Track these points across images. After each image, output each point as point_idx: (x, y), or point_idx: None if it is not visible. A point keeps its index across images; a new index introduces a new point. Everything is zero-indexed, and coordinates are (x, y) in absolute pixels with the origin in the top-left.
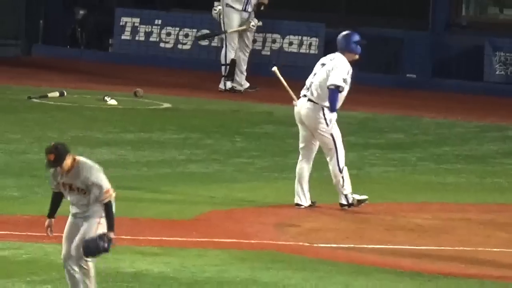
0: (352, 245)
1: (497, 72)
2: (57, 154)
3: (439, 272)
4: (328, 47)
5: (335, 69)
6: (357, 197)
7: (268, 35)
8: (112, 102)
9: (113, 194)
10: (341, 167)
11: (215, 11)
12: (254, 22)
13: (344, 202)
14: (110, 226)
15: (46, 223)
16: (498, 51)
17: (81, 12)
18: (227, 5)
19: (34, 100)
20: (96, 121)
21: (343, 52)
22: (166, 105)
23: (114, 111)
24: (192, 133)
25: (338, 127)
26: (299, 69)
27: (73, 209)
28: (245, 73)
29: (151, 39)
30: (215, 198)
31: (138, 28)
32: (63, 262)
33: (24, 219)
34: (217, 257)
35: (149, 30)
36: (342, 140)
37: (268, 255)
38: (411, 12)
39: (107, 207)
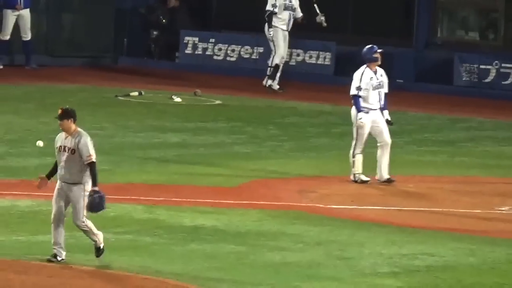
0: (355, 206)
1: (463, 79)
2: (65, 111)
3: (420, 226)
4: (338, 60)
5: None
6: (363, 178)
7: (294, 50)
8: (178, 99)
9: (94, 159)
10: (354, 154)
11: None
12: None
13: (352, 178)
14: (94, 182)
15: (40, 176)
16: (464, 63)
17: (155, 32)
18: (275, 26)
19: (120, 98)
20: (165, 114)
21: (365, 63)
22: (217, 102)
23: (179, 106)
24: (237, 123)
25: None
26: (316, 76)
27: (62, 172)
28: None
29: (206, 53)
30: (254, 171)
31: (197, 45)
32: (52, 220)
33: (112, 186)
34: (255, 215)
35: (205, 46)
36: (365, 136)
37: (293, 213)
38: (399, 33)
39: (91, 166)
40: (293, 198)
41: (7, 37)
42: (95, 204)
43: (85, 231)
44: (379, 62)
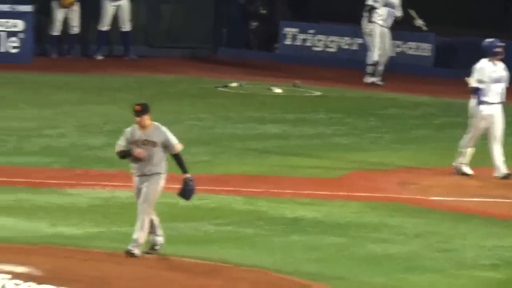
0: (456, 198)
1: None
2: (143, 107)
3: None
4: (438, 51)
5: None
6: (467, 170)
7: (393, 41)
8: (277, 90)
9: (181, 146)
10: (466, 145)
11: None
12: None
13: (455, 169)
14: (185, 170)
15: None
16: None
17: (254, 23)
18: (374, 22)
19: (219, 89)
20: (265, 105)
21: (486, 56)
22: (317, 93)
23: (278, 97)
24: (336, 114)
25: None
26: (416, 67)
27: (140, 167)
28: (381, 70)
29: (306, 44)
30: (354, 162)
31: (297, 36)
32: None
33: (211, 177)
34: (355, 206)
35: (305, 37)
36: (481, 129)
37: (393, 205)
38: (497, 25)
39: (178, 156)
40: (393, 190)
41: (107, 28)
42: (189, 191)
43: (141, 218)
44: (502, 56)
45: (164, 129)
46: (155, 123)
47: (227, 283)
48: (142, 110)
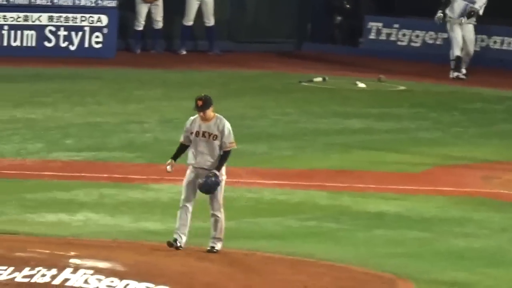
0: None
1: None
2: (204, 101)
3: None
4: None
5: None
6: None
7: (478, 36)
8: (362, 85)
9: (235, 146)
10: None
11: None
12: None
13: None
14: (219, 168)
15: (168, 161)
16: None
17: (338, 18)
18: (450, 17)
19: (303, 83)
20: (349, 99)
21: None
22: (401, 87)
23: (362, 92)
24: (421, 108)
25: None
26: (501, 61)
27: (201, 158)
28: (465, 65)
29: (390, 38)
30: (438, 157)
31: (381, 30)
32: (182, 204)
33: (295, 172)
34: (439, 201)
35: (389, 31)
36: None
37: (477, 200)
38: None
39: (226, 154)
40: (477, 185)
41: (191, 23)
42: (208, 185)
43: (216, 221)
44: None
45: (226, 123)
46: (218, 115)
47: (311, 278)
48: (204, 105)
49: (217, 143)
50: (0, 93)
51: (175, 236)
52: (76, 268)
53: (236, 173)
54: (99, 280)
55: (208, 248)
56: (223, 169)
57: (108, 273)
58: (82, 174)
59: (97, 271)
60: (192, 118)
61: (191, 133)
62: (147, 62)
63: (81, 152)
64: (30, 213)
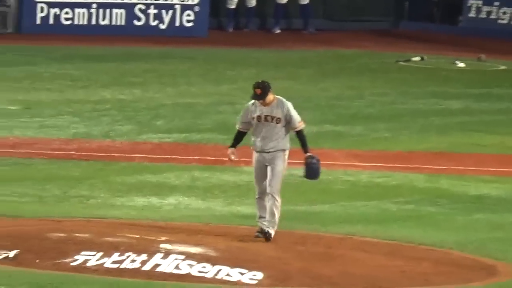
0: None
1: None
2: (263, 89)
3: None
4: None
5: None
6: None
7: None
8: (461, 65)
9: (304, 124)
10: None
11: None
12: None
13: None
14: (306, 149)
15: (229, 151)
16: None
17: None
18: None
19: (401, 63)
20: (448, 80)
21: None
22: (502, 67)
23: (462, 72)
24: None
25: None
26: None
27: (263, 143)
28: None
29: (491, 16)
30: None
31: (481, 8)
32: (257, 197)
33: (392, 154)
34: None
35: (490, 9)
36: None
37: None
38: None
39: (301, 134)
40: None
41: (285, 1)
42: (315, 170)
43: (273, 205)
44: None
45: (288, 104)
46: (279, 97)
47: (409, 263)
48: (263, 93)
49: (280, 126)
50: (89, 73)
51: (261, 225)
52: (167, 253)
53: (332, 155)
54: (191, 265)
55: (260, 233)
56: (286, 153)
57: (199, 258)
58: (173, 157)
59: (189, 256)
60: (250, 103)
61: (252, 118)
62: (240, 41)
63: (171, 134)
64: (119, 196)
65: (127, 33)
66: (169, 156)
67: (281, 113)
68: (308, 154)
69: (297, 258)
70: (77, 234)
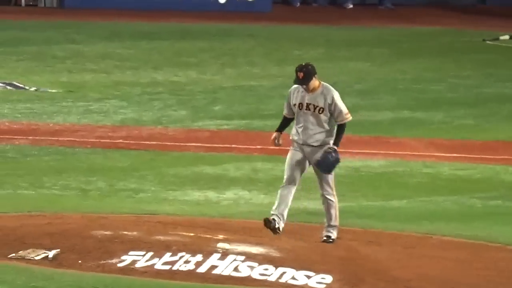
0: None
1: None
2: (306, 73)
3: None
4: None
5: None
6: None
7: None
8: None
9: (350, 118)
10: None
11: None
12: None
13: None
14: (337, 143)
15: (274, 135)
16: None
17: None
18: None
19: (488, 42)
20: None
21: None
22: None
23: None
24: None
25: None
26: None
27: (304, 134)
28: None
29: None
30: None
31: None
32: (285, 184)
33: (477, 143)
34: None
35: None
36: None
37: None
38: None
39: (342, 127)
40: None
41: None
42: (328, 162)
43: (329, 206)
44: None
45: (334, 92)
46: (325, 84)
47: (495, 265)
48: (306, 77)
49: (323, 117)
50: (140, 52)
51: (274, 216)
52: (225, 254)
53: (409, 145)
54: (251, 267)
55: (324, 238)
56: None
57: (261, 259)
58: (233, 146)
59: (249, 257)
60: (294, 87)
61: (294, 104)
62: (308, 17)
63: (231, 120)
64: (172, 190)
65: (182, 8)
66: (228, 145)
67: (324, 103)
68: (334, 146)
69: (370, 259)
70: (124, 232)
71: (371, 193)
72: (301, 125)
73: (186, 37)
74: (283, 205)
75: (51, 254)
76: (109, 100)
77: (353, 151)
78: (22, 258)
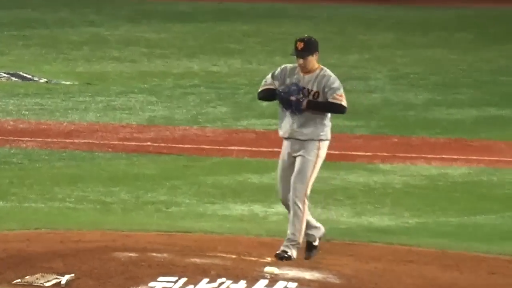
0: None
1: None
2: (308, 44)
3: None
4: None
5: None
6: None
7: None
8: None
9: (345, 103)
10: None
11: None
12: None
13: None
14: (314, 102)
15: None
16: None
17: None
18: None
19: None
20: None
21: None
22: None
23: None
24: None
25: None
26: None
27: (294, 125)
28: None
29: None
30: None
31: None
32: (282, 201)
33: None
34: None
35: None
36: None
37: None
38: None
39: (333, 104)
40: None
41: None
42: (286, 95)
43: (295, 214)
44: None
45: (332, 76)
46: (324, 67)
47: None
48: (306, 48)
49: (315, 97)
50: (170, 37)
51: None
52: (274, 280)
53: (496, 148)
54: None
55: (278, 252)
56: (323, 144)
57: (317, 286)
58: None
59: (302, 284)
60: (288, 66)
61: (281, 85)
62: None
63: None
64: (210, 203)
65: None
66: (278, 149)
67: (320, 87)
68: (299, 96)
69: (448, 286)
70: (153, 254)
71: (450, 207)
72: (290, 114)
73: (228, 19)
74: (310, 227)
75: (64, 280)
76: (135, 94)
77: (428, 156)
78: (30, 285)
